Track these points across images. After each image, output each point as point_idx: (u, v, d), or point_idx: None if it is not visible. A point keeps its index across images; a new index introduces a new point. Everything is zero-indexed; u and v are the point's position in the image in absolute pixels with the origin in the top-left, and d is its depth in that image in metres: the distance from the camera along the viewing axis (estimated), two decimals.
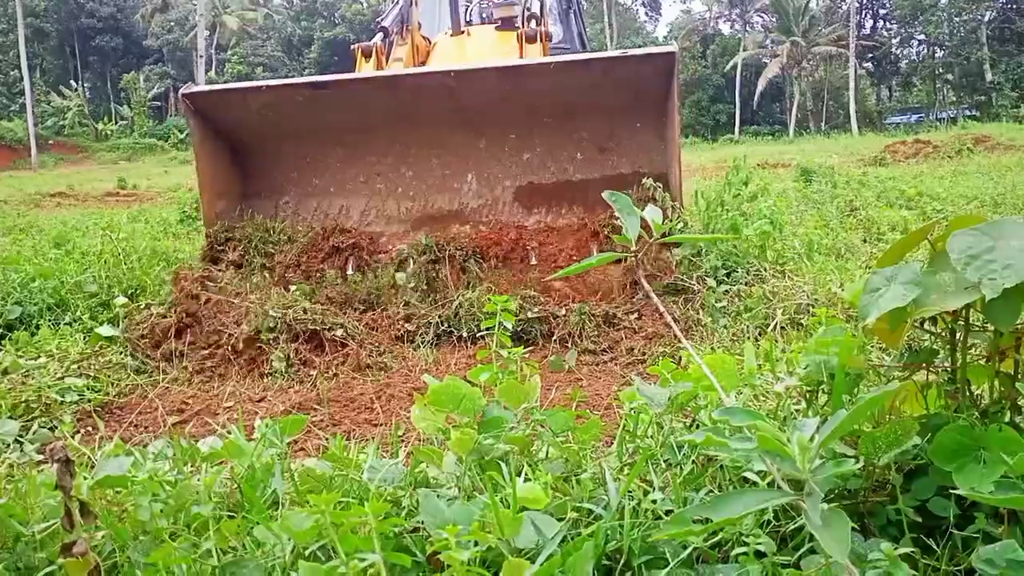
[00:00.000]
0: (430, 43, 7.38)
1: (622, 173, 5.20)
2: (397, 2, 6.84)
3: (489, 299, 2.17)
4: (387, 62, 6.19)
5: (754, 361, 1.76)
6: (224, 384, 3.81)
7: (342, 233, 5.04)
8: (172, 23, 60.36)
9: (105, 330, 4.12)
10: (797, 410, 1.84)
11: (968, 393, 1.70)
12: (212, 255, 4.98)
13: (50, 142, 51.37)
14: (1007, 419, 1.64)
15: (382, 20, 6.61)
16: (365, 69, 5.77)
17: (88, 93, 62.83)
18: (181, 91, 4.82)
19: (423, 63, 6.92)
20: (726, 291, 4.14)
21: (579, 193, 5.25)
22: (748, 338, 3.45)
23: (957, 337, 1.72)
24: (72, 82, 59.92)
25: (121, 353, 4.06)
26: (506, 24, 7.27)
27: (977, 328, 1.69)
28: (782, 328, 3.48)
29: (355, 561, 1.17)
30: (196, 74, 34.19)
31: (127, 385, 3.83)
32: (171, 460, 1.87)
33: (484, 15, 8.17)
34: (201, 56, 31.60)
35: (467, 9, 7.95)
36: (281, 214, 5.36)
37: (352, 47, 6.07)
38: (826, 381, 1.65)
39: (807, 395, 1.72)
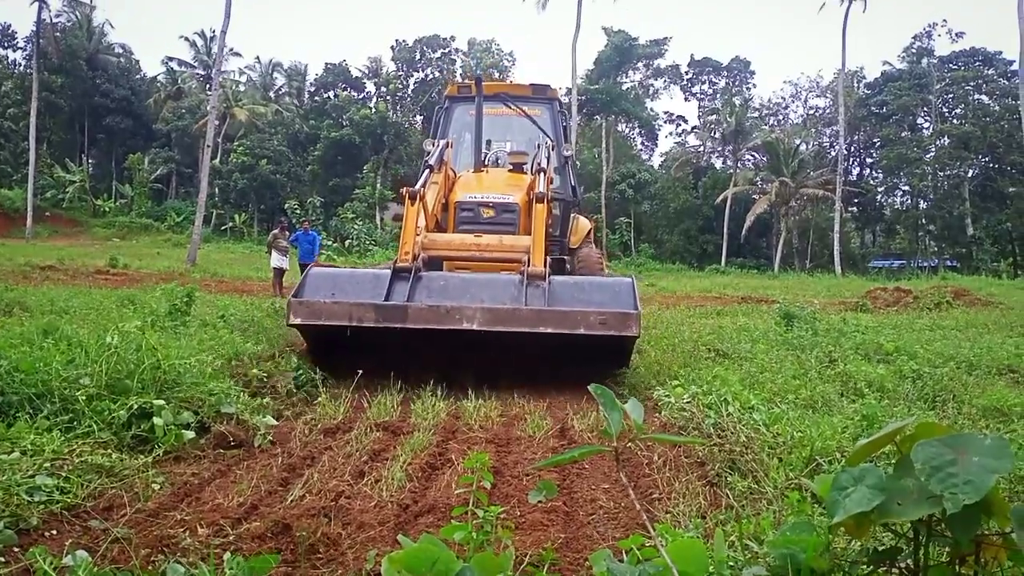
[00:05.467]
0: (455, 175, 9.77)
1: None
2: (439, 145, 9.31)
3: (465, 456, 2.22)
4: (425, 187, 8.15)
5: (725, 550, 1.81)
6: (200, 498, 3.80)
7: None
8: (183, 110, 61.85)
9: None
10: None
11: None
12: None
13: (47, 213, 51.81)
14: None
15: (429, 158, 8.83)
16: (410, 214, 7.73)
17: (92, 169, 63.78)
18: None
19: (450, 189, 9.22)
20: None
21: None
22: (728, 506, 3.48)
23: (920, 537, 1.79)
24: (79, 157, 60.96)
25: (94, 453, 4.04)
26: (517, 168, 10.19)
27: (938, 533, 1.76)
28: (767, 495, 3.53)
29: None
30: (201, 160, 34.87)
31: (97, 488, 3.80)
32: None
33: (500, 161, 10.88)
34: (208, 146, 32.32)
35: (485, 156, 10.61)
36: None
37: (402, 190, 8.00)
38: (791, 574, 1.70)
39: None
